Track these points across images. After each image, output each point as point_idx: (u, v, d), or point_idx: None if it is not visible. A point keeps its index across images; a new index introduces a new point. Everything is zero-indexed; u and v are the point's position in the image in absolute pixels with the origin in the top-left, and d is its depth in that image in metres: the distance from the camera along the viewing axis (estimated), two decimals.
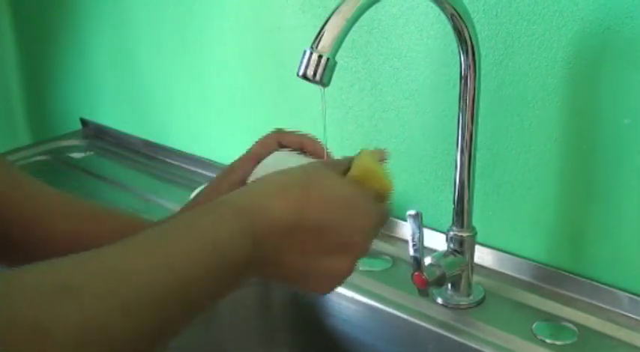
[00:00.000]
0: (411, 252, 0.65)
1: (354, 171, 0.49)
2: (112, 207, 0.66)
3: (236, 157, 0.63)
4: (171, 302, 0.37)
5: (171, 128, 1.18)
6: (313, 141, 0.60)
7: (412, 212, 0.64)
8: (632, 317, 0.69)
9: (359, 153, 0.51)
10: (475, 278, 0.74)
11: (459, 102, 0.66)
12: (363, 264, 0.80)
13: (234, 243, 0.41)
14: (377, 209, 0.48)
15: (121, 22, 1.18)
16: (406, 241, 0.66)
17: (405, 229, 0.66)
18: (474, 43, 0.63)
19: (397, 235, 0.86)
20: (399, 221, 0.85)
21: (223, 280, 0.41)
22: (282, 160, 0.58)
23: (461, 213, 0.70)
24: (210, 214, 0.42)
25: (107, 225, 0.60)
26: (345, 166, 0.50)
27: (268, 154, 0.60)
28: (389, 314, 0.73)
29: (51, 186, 0.59)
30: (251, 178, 0.58)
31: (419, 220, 0.64)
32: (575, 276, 0.73)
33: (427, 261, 0.69)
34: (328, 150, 0.58)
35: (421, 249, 0.65)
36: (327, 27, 0.52)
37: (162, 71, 1.15)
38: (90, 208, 0.61)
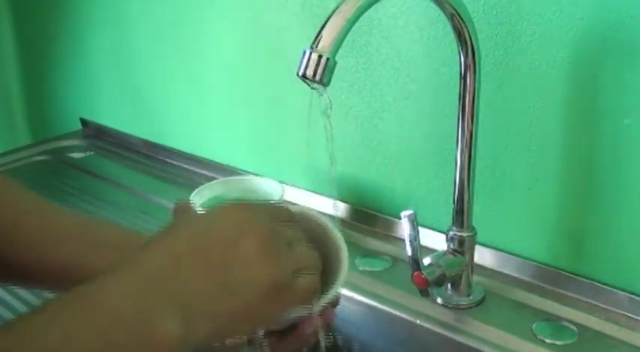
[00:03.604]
0: (409, 252, 0.66)
1: None
2: (106, 222, 0.62)
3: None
4: None
5: (172, 128, 1.18)
6: None
7: (407, 212, 0.64)
8: (632, 317, 0.69)
9: None
10: (475, 278, 0.73)
11: (459, 102, 0.66)
12: (362, 264, 0.81)
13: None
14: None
15: (120, 22, 1.18)
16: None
17: (404, 229, 0.66)
18: (473, 43, 0.63)
19: (396, 235, 0.86)
20: (399, 221, 0.85)
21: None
22: None
23: (461, 213, 0.70)
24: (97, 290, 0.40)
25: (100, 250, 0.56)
26: None
27: None
28: (389, 314, 0.73)
29: (51, 185, 0.57)
30: None
31: (414, 220, 0.64)
32: (575, 276, 0.73)
33: (427, 260, 0.69)
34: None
35: (418, 248, 0.65)
36: (326, 27, 0.52)
37: (162, 71, 1.15)
38: (83, 227, 0.58)
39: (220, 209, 0.46)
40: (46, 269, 0.54)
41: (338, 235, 0.51)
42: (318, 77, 0.52)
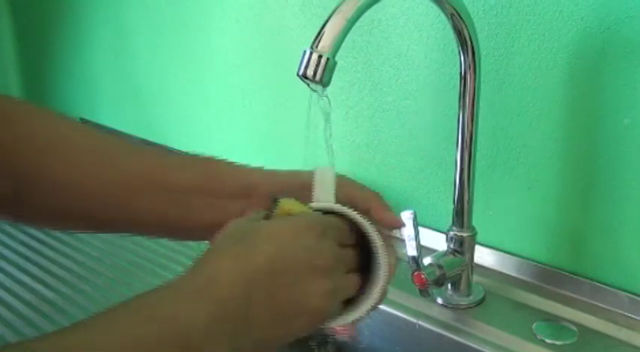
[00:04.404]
0: (409, 252, 0.66)
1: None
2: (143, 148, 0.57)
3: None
4: None
5: (171, 128, 1.18)
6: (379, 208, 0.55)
7: (407, 212, 0.64)
8: (632, 317, 0.69)
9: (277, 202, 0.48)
10: (475, 278, 0.74)
11: (459, 102, 0.66)
12: None
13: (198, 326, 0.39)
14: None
15: (120, 22, 1.18)
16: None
17: (404, 229, 0.66)
18: (473, 42, 0.63)
19: (396, 235, 0.86)
20: None
21: None
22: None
23: (461, 213, 0.70)
24: (169, 304, 0.40)
25: (129, 171, 0.53)
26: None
27: None
28: (389, 314, 0.73)
29: None
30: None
31: (414, 220, 0.64)
32: (575, 276, 0.73)
33: (427, 260, 0.69)
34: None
35: (418, 248, 0.65)
36: (327, 27, 0.52)
37: (162, 71, 1.15)
38: (116, 147, 0.54)
39: (295, 225, 0.45)
40: (67, 189, 0.51)
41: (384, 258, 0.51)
42: (318, 77, 0.52)
